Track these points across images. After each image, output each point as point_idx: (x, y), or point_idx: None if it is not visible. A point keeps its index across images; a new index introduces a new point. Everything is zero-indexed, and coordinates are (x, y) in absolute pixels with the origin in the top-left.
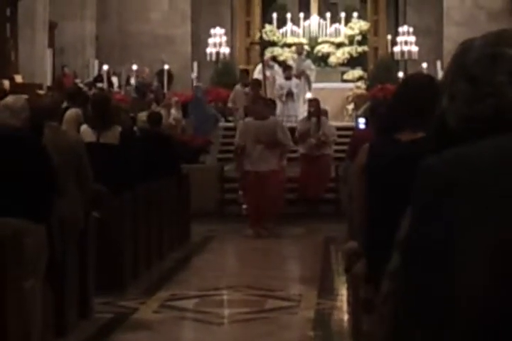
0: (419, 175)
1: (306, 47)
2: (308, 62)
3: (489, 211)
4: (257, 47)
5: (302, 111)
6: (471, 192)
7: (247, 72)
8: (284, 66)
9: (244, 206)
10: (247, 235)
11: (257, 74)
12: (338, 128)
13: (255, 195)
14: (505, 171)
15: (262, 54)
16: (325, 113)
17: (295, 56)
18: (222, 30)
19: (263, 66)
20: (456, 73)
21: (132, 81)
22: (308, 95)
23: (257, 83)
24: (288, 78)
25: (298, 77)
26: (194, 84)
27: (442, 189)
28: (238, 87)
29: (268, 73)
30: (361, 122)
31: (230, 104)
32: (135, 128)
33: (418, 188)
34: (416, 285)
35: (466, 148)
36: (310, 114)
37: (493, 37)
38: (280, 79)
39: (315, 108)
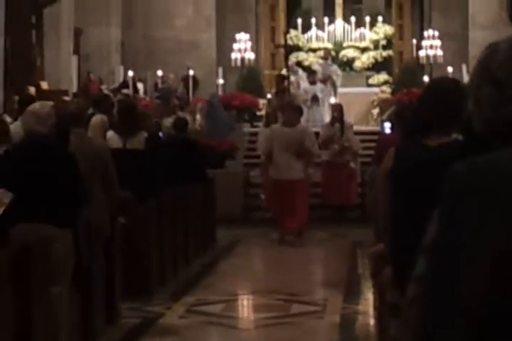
0: (447, 181)
1: (332, 52)
2: (335, 67)
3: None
4: (282, 52)
5: (327, 116)
6: (498, 199)
7: (282, 78)
8: (309, 71)
9: (261, 196)
10: (273, 239)
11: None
12: (364, 133)
13: (280, 203)
14: None
15: (286, 59)
16: (350, 126)
17: (321, 61)
18: (247, 36)
19: (287, 71)
20: (482, 77)
21: (158, 87)
22: (333, 100)
23: (283, 89)
24: (312, 83)
25: (323, 81)
26: (210, 92)
27: (468, 196)
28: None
29: (293, 78)
30: (387, 126)
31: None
32: (161, 133)
33: (445, 194)
34: (441, 290)
35: (494, 155)
36: (333, 120)
37: None
38: (305, 84)
39: (338, 113)
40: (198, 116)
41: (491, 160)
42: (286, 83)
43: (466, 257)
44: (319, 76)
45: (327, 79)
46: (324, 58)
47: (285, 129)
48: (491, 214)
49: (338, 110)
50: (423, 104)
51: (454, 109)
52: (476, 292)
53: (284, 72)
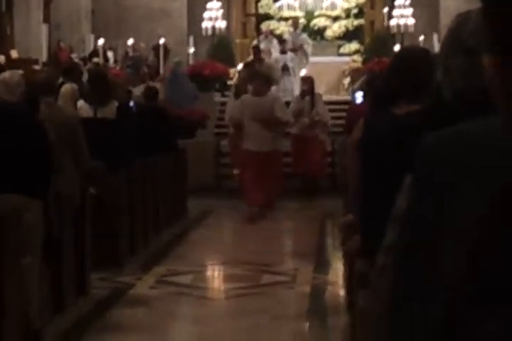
0: (417, 153)
1: (303, 20)
2: (305, 36)
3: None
4: (253, 20)
5: (298, 86)
6: (471, 171)
7: (258, 50)
8: (280, 40)
9: (235, 171)
10: (245, 214)
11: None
12: (334, 102)
13: (255, 174)
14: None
15: (257, 28)
16: (320, 98)
17: (291, 30)
18: (219, 4)
19: (257, 38)
20: (452, 46)
21: (129, 55)
22: (303, 72)
23: (252, 61)
24: (283, 52)
25: (294, 51)
26: (174, 60)
27: (440, 168)
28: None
29: (263, 46)
30: (358, 96)
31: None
32: (131, 103)
33: (416, 168)
34: (414, 263)
35: (465, 126)
36: (303, 93)
37: None
38: (276, 54)
39: (309, 86)
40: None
41: (461, 131)
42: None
43: (441, 231)
44: (290, 45)
45: (298, 49)
46: (294, 27)
47: (254, 98)
48: (464, 186)
49: (308, 82)
50: (392, 73)
51: (422, 77)
52: (456, 268)
53: (255, 42)
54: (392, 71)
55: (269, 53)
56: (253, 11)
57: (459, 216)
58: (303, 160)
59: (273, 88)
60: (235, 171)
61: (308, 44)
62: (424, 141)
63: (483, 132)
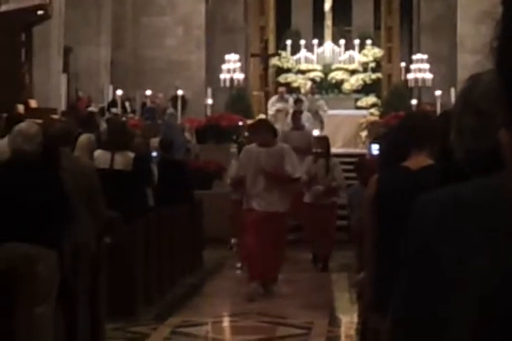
0: (411, 211)
1: (319, 73)
2: (322, 102)
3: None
4: (271, 73)
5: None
6: (457, 233)
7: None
8: (295, 100)
9: (233, 240)
10: (249, 293)
11: (270, 105)
12: (351, 155)
13: (258, 239)
14: (492, 214)
15: (275, 81)
16: (336, 162)
17: (309, 96)
18: (237, 56)
19: (274, 97)
20: (464, 108)
21: (146, 106)
22: (316, 132)
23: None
24: (300, 112)
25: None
26: (168, 111)
27: (430, 229)
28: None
29: (279, 105)
30: (374, 148)
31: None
32: (154, 153)
33: (410, 224)
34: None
35: (460, 187)
36: (317, 156)
37: None
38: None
39: (324, 148)
40: (186, 135)
41: (459, 192)
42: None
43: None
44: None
45: (314, 115)
46: (312, 93)
47: (261, 149)
48: (443, 249)
49: (323, 144)
50: (402, 131)
51: (425, 134)
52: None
53: (273, 98)
54: (400, 130)
55: (286, 113)
56: (272, 64)
57: (462, 282)
58: (319, 236)
59: None
60: (233, 240)
61: (325, 111)
62: (418, 201)
63: (481, 194)
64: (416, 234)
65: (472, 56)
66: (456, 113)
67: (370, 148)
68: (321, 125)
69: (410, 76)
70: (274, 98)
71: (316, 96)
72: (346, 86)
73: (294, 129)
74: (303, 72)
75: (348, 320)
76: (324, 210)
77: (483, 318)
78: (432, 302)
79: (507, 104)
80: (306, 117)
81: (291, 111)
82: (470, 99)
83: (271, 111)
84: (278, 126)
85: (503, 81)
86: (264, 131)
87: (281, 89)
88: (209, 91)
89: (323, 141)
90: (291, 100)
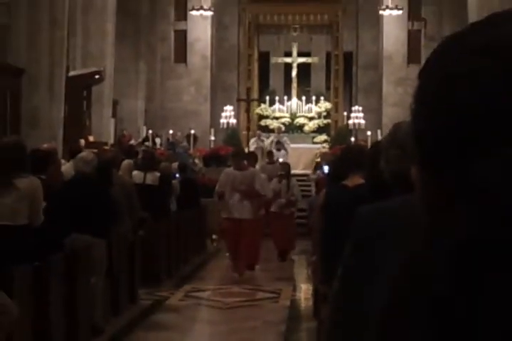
0: (353, 221)
1: (288, 119)
2: (285, 138)
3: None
4: (255, 118)
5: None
6: (390, 239)
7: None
8: (276, 141)
9: (214, 236)
10: (234, 279)
11: (251, 144)
12: (308, 175)
13: (234, 242)
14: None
15: (258, 124)
16: (295, 183)
17: (277, 134)
18: (231, 107)
19: (253, 139)
20: (390, 144)
21: (169, 141)
22: (281, 159)
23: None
24: (278, 149)
25: (279, 150)
26: (180, 145)
27: (370, 233)
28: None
29: (256, 145)
30: (325, 169)
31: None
32: (177, 175)
33: (353, 229)
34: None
35: (389, 202)
36: (281, 177)
37: None
38: (274, 151)
39: (286, 171)
40: (196, 161)
41: (385, 206)
42: (254, 147)
43: (367, 279)
44: (277, 145)
45: (281, 148)
46: (278, 132)
47: (236, 172)
48: (388, 255)
49: (285, 168)
50: (341, 159)
51: (358, 161)
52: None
53: (253, 139)
54: (341, 158)
55: (262, 149)
56: (255, 112)
57: (382, 268)
58: (280, 236)
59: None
60: (214, 236)
61: (288, 144)
62: (358, 212)
63: (400, 208)
64: (356, 234)
65: (392, 108)
66: (385, 147)
67: (322, 169)
68: (286, 155)
69: (350, 121)
70: (253, 139)
71: (282, 134)
72: (306, 128)
73: (269, 163)
74: (276, 118)
75: (306, 288)
76: (285, 218)
77: (390, 295)
78: (362, 281)
79: (416, 149)
80: (281, 154)
81: (266, 148)
82: (394, 138)
83: (251, 148)
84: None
85: (414, 135)
86: (239, 159)
87: (259, 132)
88: (212, 131)
89: (286, 166)
90: (265, 140)
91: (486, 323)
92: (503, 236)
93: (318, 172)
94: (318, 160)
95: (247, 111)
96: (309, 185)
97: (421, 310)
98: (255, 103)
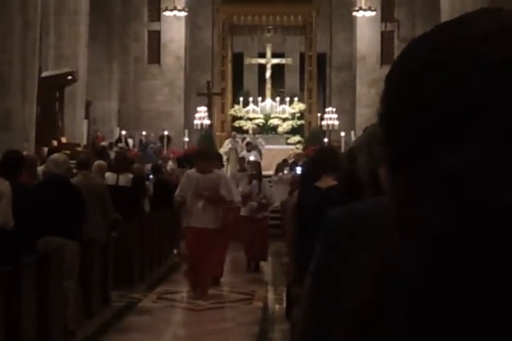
0: (322, 222)
1: (262, 120)
2: (260, 139)
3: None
4: (229, 120)
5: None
6: (358, 241)
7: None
8: (247, 142)
9: (175, 251)
10: (191, 298)
11: (225, 144)
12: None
13: (195, 254)
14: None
15: (232, 125)
16: (267, 183)
17: (251, 135)
18: (205, 108)
19: (228, 140)
20: (373, 138)
21: (142, 142)
22: (252, 158)
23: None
24: (249, 151)
25: (250, 151)
26: (143, 141)
27: (344, 233)
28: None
29: (231, 145)
30: (298, 170)
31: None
32: (151, 176)
33: (324, 230)
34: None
35: (361, 204)
36: (251, 177)
37: None
38: (243, 152)
39: (257, 171)
40: (170, 163)
41: (358, 207)
42: (228, 149)
43: (341, 277)
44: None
45: (255, 149)
46: (253, 133)
47: (199, 175)
48: (357, 256)
49: (256, 167)
50: (313, 161)
51: (332, 163)
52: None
53: (227, 140)
54: (314, 160)
55: (236, 152)
56: (229, 113)
57: (354, 269)
58: (252, 243)
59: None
60: (175, 251)
61: (262, 146)
62: (328, 214)
63: (373, 209)
64: (328, 234)
65: (365, 109)
66: (365, 143)
67: (295, 170)
68: (260, 156)
69: (324, 122)
70: (227, 140)
71: (257, 135)
72: (280, 129)
73: (240, 171)
74: (250, 119)
75: (279, 289)
76: (256, 222)
77: (366, 293)
78: (334, 278)
79: (385, 149)
80: (253, 154)
81: (239, 150)
82: (374, 135)
83: (225, 149)
84: (230, 160)
85: (382, 136)
86: (202, 160)
87: (233, 133)
88: (186, 132)
89: (256, 165)
90: (240, 141)
91: (461, 317)
92: (473, 228)
93: (291, 173)
94: (292, 160)
95: (209, 99)
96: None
97: (397, 306)
98: (229, 103)
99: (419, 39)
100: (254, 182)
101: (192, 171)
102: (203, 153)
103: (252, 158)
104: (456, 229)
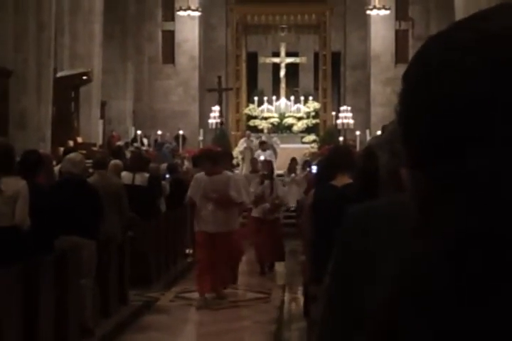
0: (343, 220)
1: (277, 119)
2: (275, 138)
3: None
4: (244, 119)
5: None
6: (379, 238)
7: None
8: (260, 141)
9: (187, 251)
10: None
11: (240, 144)
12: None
13: (206, 260)
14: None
15: (247, 124)
16: (280, 183)
17: (267, 134)
18: (219, 108)
19: (242, 139)
20: (395, 135)
21: (158, 141)
22: (262, 158)
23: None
24: (263, 150)
25: (264, 150)
26: (159, 141)
27: (357, 231)
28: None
29: (246, 145)
30: (314, 169)
31: None
32: (167, 175)
33: (341, 228)
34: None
35: (379, 201)
36: (262, 178)
37: None
38: (258, 151)
39: (269, 170)
40: (185, 162)
41: (374, 205)
42: (242, 148)
43: (361, 291)
44: (259, 145)
45: (269, 147)
46: (268, 132)
47: (207, 177)
48: (370, 254)
49: (268, 167)
50: (330, 159)
51: (347, 161)
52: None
53: (242, 140)
54: (329, 158)
55: (251, 151)
56: (244, 113)
57: (367, 267)
58: (265, 246)
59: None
60: (187, 250)
61: (278, 145)
62: (348, 211)
63: (390, 207)
64: (345, 233)
65: (380, 108)
66: (389, 140)
67: (311, 168)
68: (275, 155)
69: (339, 121)
70: (242, 139)
71: (272, 134)
72: (295, 128)
73: (252, 172)
74: (265, 118)
75: (296, 288)
76: (268, 224)
77: (388, 294)
78: (353, 278)
79: (405, 149)
80: (268, 154)
81: (254, 149)
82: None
83: (240, 148)
84: (246, 160)
85: (402, 136)
86: (209, 161)
87: (248, 132)
88: (201, 131)
89: (268, 164)
90: (254, 140)
91: (488, 321)
92: (502, 230)
93: (303, 172)
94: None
95: (220, 95)
96: None
97: (420, 307)
98: (243, 102)
99: (434, 37)
100: (266, 182)
101: (200, 174)
102: (209, 153)
103: (262, 157)
104: (489, 229)
